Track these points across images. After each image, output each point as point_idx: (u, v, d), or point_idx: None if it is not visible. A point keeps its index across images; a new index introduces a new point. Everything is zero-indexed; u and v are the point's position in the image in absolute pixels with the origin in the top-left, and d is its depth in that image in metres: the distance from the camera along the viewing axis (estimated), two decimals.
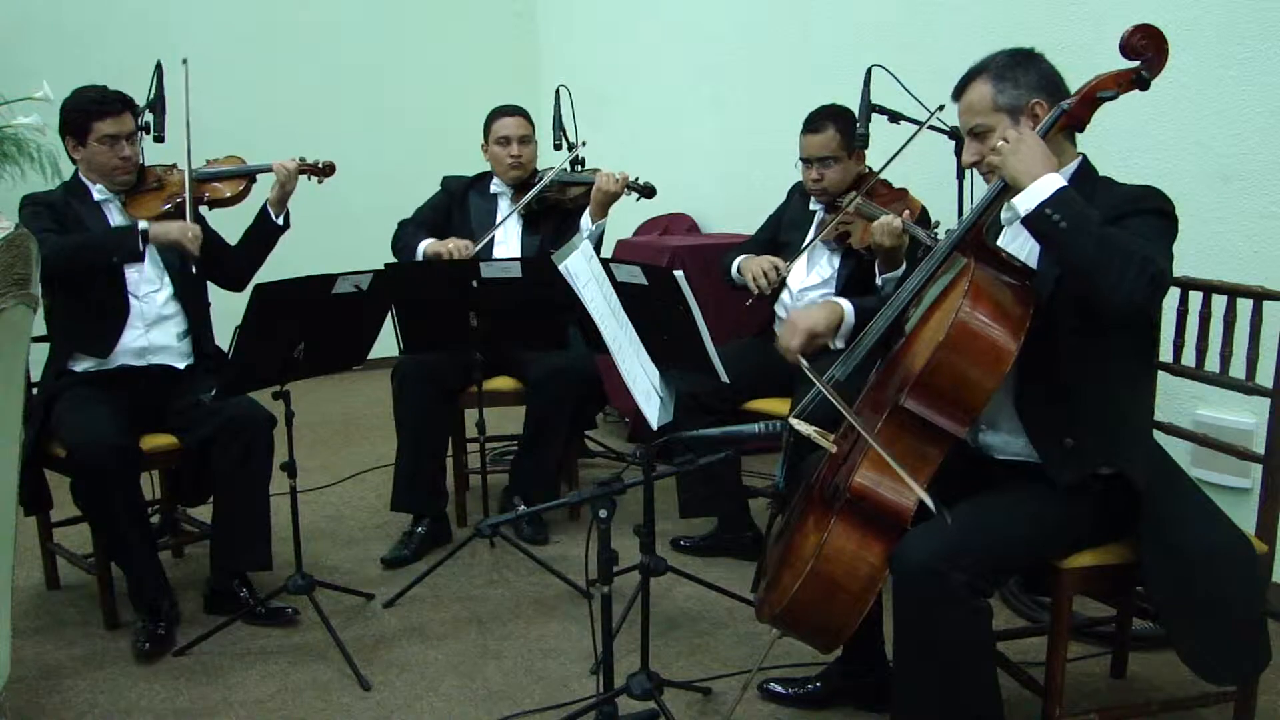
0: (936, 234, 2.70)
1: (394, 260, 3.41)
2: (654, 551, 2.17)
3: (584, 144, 3.49)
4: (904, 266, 2.70)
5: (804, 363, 2.04)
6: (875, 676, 2.28)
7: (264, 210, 3.04)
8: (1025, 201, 1.75)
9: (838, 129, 2.99)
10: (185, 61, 2.86)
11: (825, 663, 2.34)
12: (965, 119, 1.97)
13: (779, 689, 2.36)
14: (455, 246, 3.31)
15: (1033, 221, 1.75)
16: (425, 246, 3.37)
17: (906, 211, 2.76)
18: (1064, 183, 1.75)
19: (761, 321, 3.26)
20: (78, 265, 2.66)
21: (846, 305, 2.22)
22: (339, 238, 4.99)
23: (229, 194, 3.01)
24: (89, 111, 2.75)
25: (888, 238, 2.67)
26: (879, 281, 2.76)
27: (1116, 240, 1.69)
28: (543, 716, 2.34)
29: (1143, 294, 1.67)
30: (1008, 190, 1.85)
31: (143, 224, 2.72)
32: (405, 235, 3.47)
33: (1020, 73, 1.90)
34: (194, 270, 2.86)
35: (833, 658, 2.29)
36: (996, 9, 3.40)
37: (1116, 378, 1.90)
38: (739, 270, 3.14)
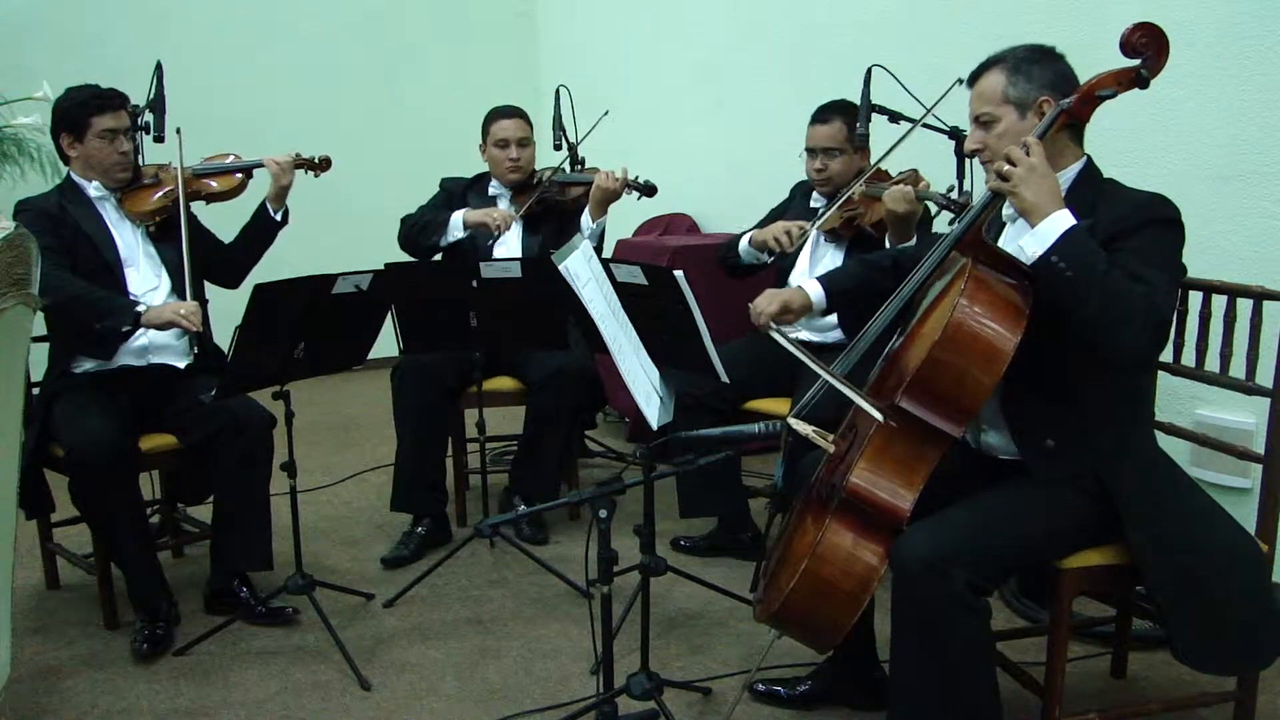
0: (951, 195, 2.71)
1: (394, 260, 3.39)
2: (654, 551, 2.17)
3: (606, 113, 3.48)
4: (915, 240, 2.71)
5: (773, 326, 2.23)
6: (866, 675, 2.29)
7: (262, 206, 3.04)
8: (1033, 245, 1.77)
9: (845, 122, 3.00)
10: (180, 130, 2.90)
11: (820, 662, 2.34)
12: (974, 105, 1.98)
13: (770, 688, 2.36)
14: (499, 216, 3.32)
15: (1038, 267, 1.77)
16: (462, 215, 3.37)
17: (924, 184, 2.76)
18: (1072, 221, 1.75)
19: None
20: (65, 313, 2.63)
21: (814, 294, 2.31)
22: (339, 237, 4.99)
23: (224, 189, 3.02)
24: (88, 106, 2.75)
25: (901, 203, 2.69)
26: None
27: (1121, 290, 1.70)
28: (543, 716, 2.34)
29: (1146, 345, 1.73)
30: (1001, 196, 1.86)
31: (141, 307, 2.65)
32: (422, 215, 3.46)
33: (1036, 69, 1.91)
34: (194, 350, 2.81)
35: (824, 657, 2.30)
36: (996, 9, 3.40)
37: (1111, 380, 1.90)
38: (750, 242, 3.12)
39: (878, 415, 1.80)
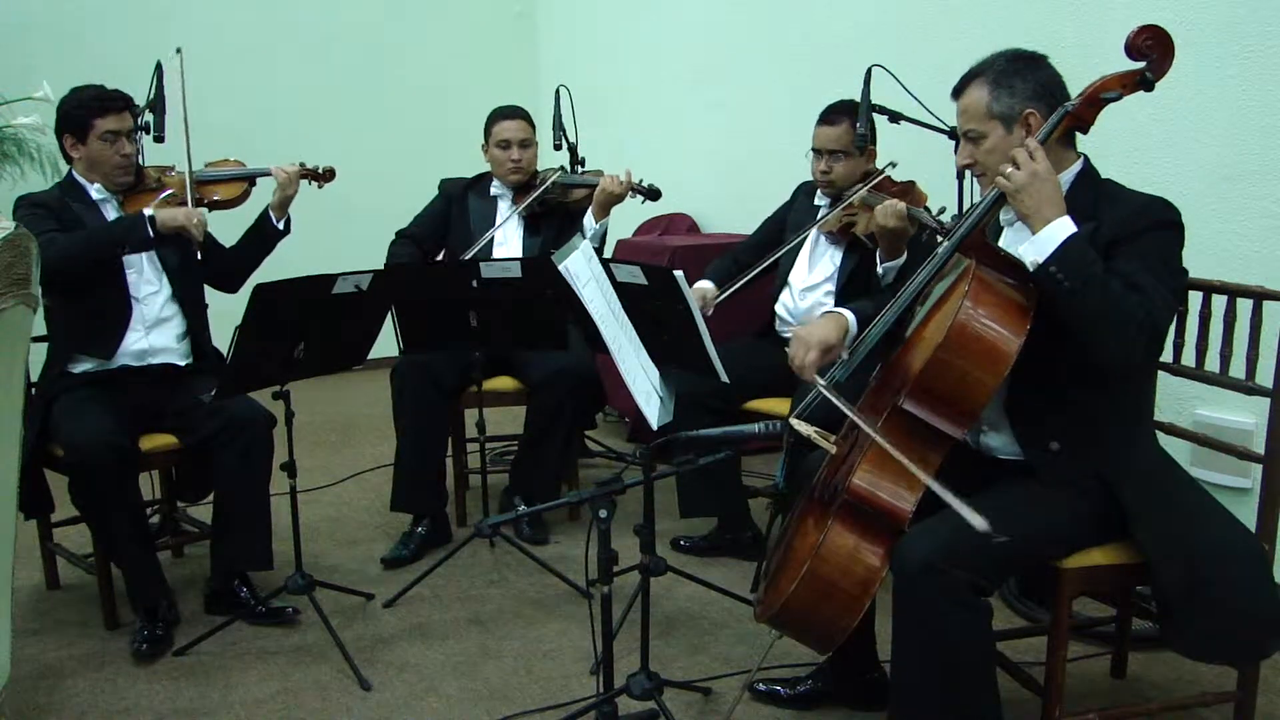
0: (941, 219, 2.71)
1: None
2: (654, 551, 2.17)
3: (562, 168, 3.50)
4: (905, 256, 2.71)
5: (820, 381, 1.96)
6: (866, 675, 2.29)
7: (265, 214, 3.04)
8: (1032, 253, 1.77)
9: (852, 124, 3.00)
10: (179, 51, 2.86)
11: (820, 662, 2.34)
12: (960, 120, 1.98)
13: (770, 688, 2.36)
14: None
15: (1037, 276, 1.77)
16: None
17: (920, 195, 2.76)
18: (1073, 229, 1.75)
19: (762, 322, 3.26)
20: (88, 259, 2.65)
21: (849, 315, 2.22)
22: (339, 238, 4.99)
23: (228, 197, 3.02)
24: (90, 108, 2.75)
25: (891, 219, 2.69)
26: (880, 270, 2.77)
27: (1117, 301, 1.72)
28: (543, 716, 2.34)
29: (1139, 355, 1.75)
30: (1002, 200, 1.86)
31: (148, 210, 2.71)
32: (397, 255, 3.47)
33: (1018, 79, 1.90)
34: (199, 257, 2.85)
35: (824, 657, 2.30)
36: (996, 9, 3.40)
37: (1114, 381, 1.90)
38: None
39: (923, 476, 1.73)
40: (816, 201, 3.18)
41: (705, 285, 3.13)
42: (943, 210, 2.77)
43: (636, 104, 5.34)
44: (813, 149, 3.09)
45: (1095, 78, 1.85)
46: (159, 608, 2.69)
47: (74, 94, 2.78)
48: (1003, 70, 1.91)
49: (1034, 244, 1.77)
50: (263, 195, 3.06)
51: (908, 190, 2.96)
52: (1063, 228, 1.75)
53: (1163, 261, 1.79)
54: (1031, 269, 1.77)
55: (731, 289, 3.07)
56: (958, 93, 1.98)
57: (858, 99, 2.87)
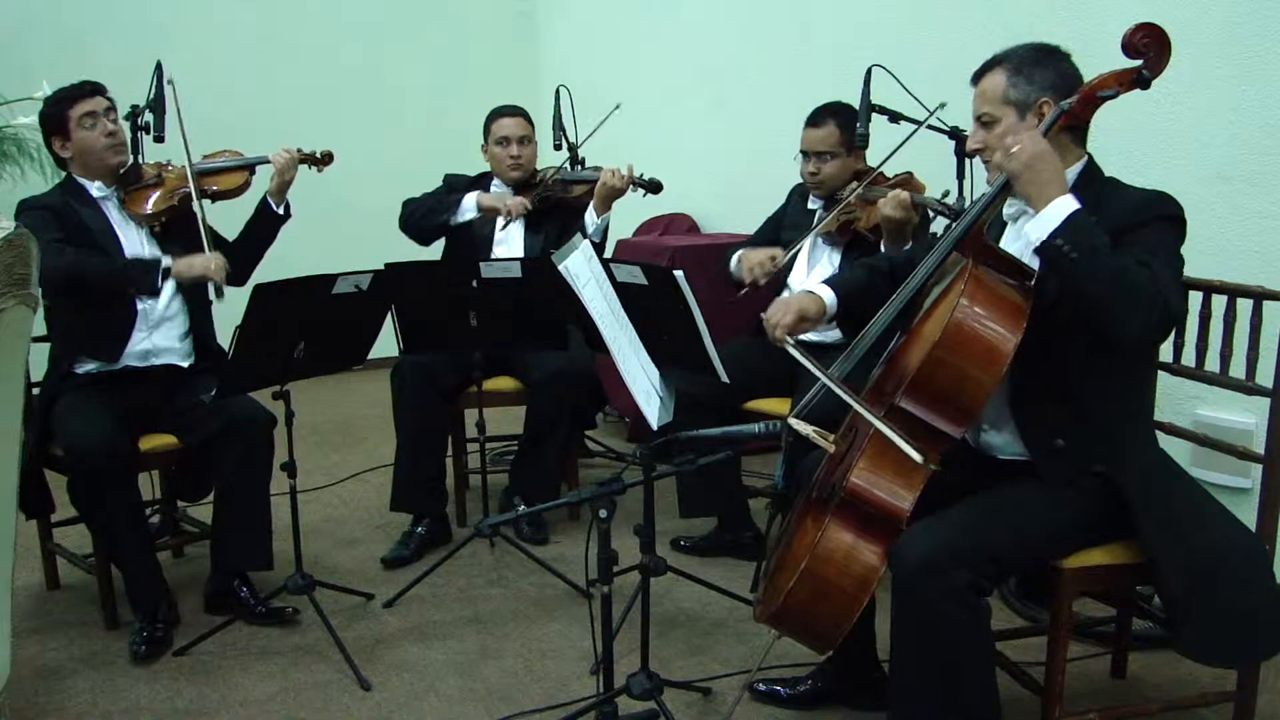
0: (946, 201, 2.71)
1: (395, 259, 3.39)
2: (654, 551, 2.17)
3: (618, 107, 3.47)
4: (910, 247, 2.71)
5: (790, 341, 2.06)
6: (866, 675, 2.29)
7: (264, 201, 3.04)
8: (1037, 229, 1.76)
9: (838, 125, 3.01)
10: (160, 65, 2.87)
11: (820, 662, 2.34)
12: (976, 104, 1.98)
13: (770, 688, 2.36)
14: (514, 204, 3.35)
15: (1044, 251, 1.76)
16: (475, 198, 3.40)
17: (920, 187, 2.76)
18: (1076, 205, 1.75)
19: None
20: (89, 288, 2.64)
21: (829, 298, 2.23)
22: (339, 237, 4.99)
23: (229, 187, 3.01)
24: (62, 101, 2.77)
25: (897, 209, 2.69)
26: None
27: (1128, 275, 1.70)
28: (543, 716, 2.34)
29: (1154, 332, 1.73)
30: (1008, 189, 1.86)
31: (166, 260, 2.70)
32: (430, 199, 3.47)
33: (1038, 70, 1.91)
34: (220, 298, 2.83)
35: (824, 657, 2.30)
36: (996, 9, 3.40)
37: (1117, 378, 1.90)
38: (739, 261, 3.11)
39: (917, 456, 1.77)
40: (810, 205, 3.18)
41: (764, 249, 3.06)
42: (946, 194, 2.76)
43: (636, 104, 5.33)
44: (801, 151, 3.10)
45: (1093, 76, 1.85)
46: (159, 608, 2.69)
47: (46, 100, 2.81)
48: (1024, 59, 1.92)
49: (1038, 221, 1.76)
50: (264, 185, 3.06)
51: (906, 182, 2.97)
52: (1066, 204, 1.75)
53: (1164, 250, 1.79)
54: (1036, 244, 1.77)
55: (793, 252, 2.99)
56: (977, 78, 1.99)
57: (856, 99, 2.87)
